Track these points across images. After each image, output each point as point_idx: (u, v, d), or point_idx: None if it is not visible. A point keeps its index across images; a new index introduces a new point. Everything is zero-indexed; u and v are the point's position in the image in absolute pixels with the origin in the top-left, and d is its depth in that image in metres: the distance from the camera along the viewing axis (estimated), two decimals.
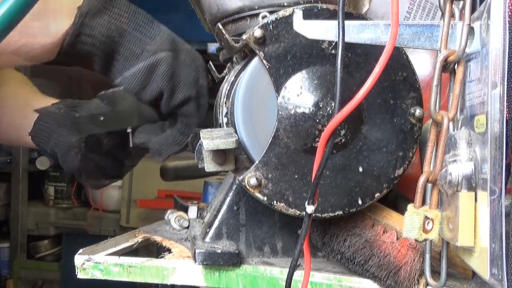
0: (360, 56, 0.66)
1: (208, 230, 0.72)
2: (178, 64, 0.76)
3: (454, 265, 0.65)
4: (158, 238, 0.81)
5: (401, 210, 0.62)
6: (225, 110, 0.70)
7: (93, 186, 0.80)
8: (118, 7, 0.73)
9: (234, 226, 0.72)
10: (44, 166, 2.82)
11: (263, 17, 0.69)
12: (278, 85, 0.65)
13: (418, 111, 0.67)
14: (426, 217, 0.53)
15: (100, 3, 0.72)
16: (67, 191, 2.87)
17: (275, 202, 0.65)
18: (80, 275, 0.72)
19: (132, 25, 0.74)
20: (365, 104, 0.66)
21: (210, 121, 0.83)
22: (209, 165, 0.64)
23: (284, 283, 0.60)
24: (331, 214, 0.66)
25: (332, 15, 0.66)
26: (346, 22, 0.57)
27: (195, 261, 0.67)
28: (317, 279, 0.66)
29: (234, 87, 0.69)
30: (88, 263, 0.72)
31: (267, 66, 0.65)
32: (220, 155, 0.64)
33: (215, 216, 0.72)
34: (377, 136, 0.67)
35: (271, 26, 0.65)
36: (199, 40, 2.48)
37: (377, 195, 0.67)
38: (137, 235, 0.86)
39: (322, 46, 0.66)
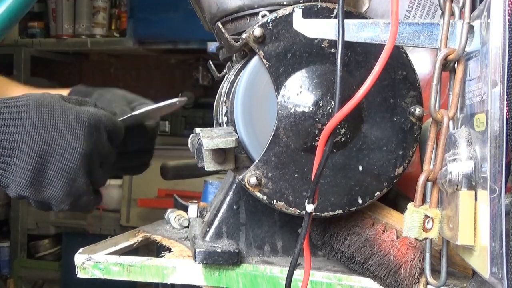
0: (360, 55, 0.66)
1: (208, 229, 0.72)
2: (41, 189, 0.72)
3: (454, 263, 0.65)
4: (158, 237, 0.81)
5: (401, 209, 0.62)
6: (224, 109, 0.70)
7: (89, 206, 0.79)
8: None
9: (234, 225, 0.72)
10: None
11: (263, 16, 0.69)
12: (278, 84, 0.65)
13: (418, 110, 0.67)
14: (426, 216, 0.53)
15: None
16: None
17: (275, 201, 0.65)
18: (80, 274, 0.72)
19: None
20: (365, 103, 0.66)
21: (210, 120, 0.83)
22: (209, 164, 0.64)
23: (284, 282, 0.60)
24: (331, 213, 0.66)
25: (331, 14, 0.66)
26: (345, 20, 0.57)
27: (195, 260, 0.67)
28: (317, 278, 0.66)
29: (234, 86, 0.69)
30: (88, 262, 0.72)
31: (267, 65, 0.65)
32: (220, 154, 0.64)
33: (215, 215, 0.72)
34: (377, 135, 0.67)
35: (270, 25, 0.65)
36: (198, 39, 2.49)
37: (377, 194, 0.67)
38: (137, 234, 0.86)
39: (322, 45, 0.65)
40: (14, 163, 0.70)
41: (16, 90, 1.01)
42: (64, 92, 0.99)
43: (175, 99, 0.82)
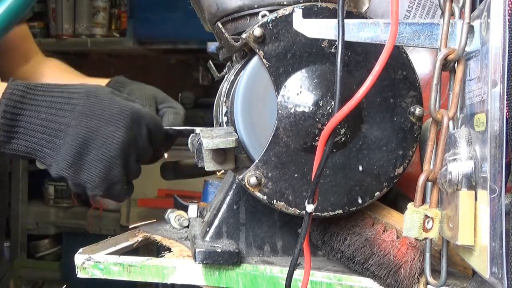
0: (360, 54, 0.66)
1: (208, 229, 0.72)
2: (80, 172, 0.77)
3: (454, 263, 0.65)
4: (158, 237, 0.81)
5: (401, 209, 0.62)
6: (224, 109, 0.70)
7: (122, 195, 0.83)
8: (23, 132, 0.76)
9: (234, 225, 0.72)
10: (44, 166, 2.81)
11: (263, 16, 0.69)
12: (278, 84, 0.65)
13: (418, 110, 0.67)
14: (426, 216, 0.53)
15: (6, 132, 0.75)
16: (67, 190, 2.87)
17: (275, 201, 0.65)
18: (80, 274, 0.72)
19: (39, 144, 0.77)
20: (365, 103, 0.66)
21: (210, 120, 0.83)
22: (209, 164, 0.64)
23: (284, 282, 0.60)
24: (331, 213, 0.66)
25: (331, 14, 0.66)
26: (346, 20, 0.57)
27: (195, 260, 0.67)
28: (317, 278, 0.66)
29: (234, 86, 0.69)
30: (88, 262, 0.72)
31: (267, 65, 0.65)
32: (220, 154, 0.64)
33: (215, 215, 0.72)
34: (377, 134, 0.67)
35: (270, 25, 0.65)
36: (198, 39, 2.49)
37: (377, 194, 0.67)
38: (137, 234, 0.86)
39: (322, 45, 0.65)
40: (59, 144, 0.76)
41: (67, 76, 1.15)
42: (104, 82, 1.09)
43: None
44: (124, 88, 1.05)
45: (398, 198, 0.78)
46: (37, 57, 1.24)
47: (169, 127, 0.88)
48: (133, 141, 0.78)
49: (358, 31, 0.58)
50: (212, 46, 1.80)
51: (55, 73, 1.21)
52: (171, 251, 0.75)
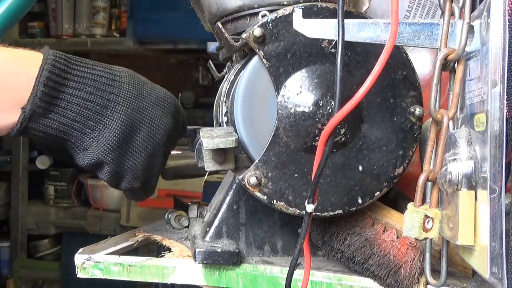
0: (360, 54, 0.66)
1: (208, 229, 0.72)
2: (124, 157, 0.69)
3: (454, 263, 0.65)
4: (158, 237, 0.81)
5: (401, 209, 0.62)
6: (224, 109, 0.70)
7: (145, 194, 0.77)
8: (63, 106, 0.66)
9: (234, 225, 0.72)
10: (44, 165, 2.82)
11: (263, 16, 0.69)
12: (277, 84, 0.65)
13: (418, 110, 0.67)
14: (426, 216, 0.53)
15: (45, 103, 0.65)
16: (67, 190, 2.87)
17: (275, 201, 0.65)
18: (80, 274, 0.72)
19: (80, 122, 0.67)
20: (365, 103, 0.66)
21: (210, 120, 0.83)
22: (209, 164, 0.64)
23: (284, 282, 0.60)
24: (331, 213, 0.66)
25: (331, 14, 0.66)
26: (345, 20, 0.57)
27: (195, 260, 0.67)
28: (317, 278, 0.66)
29: (234, 86, 0.69)
30: (88, 262, 0.72)
31: (267, 65, 0.65)
32: (220, 154, 0.64)
33: (215, 215, 0.72)
34: (377, 134, 0.67)
35: (270, 25, 0.65)
36: (198, 39, 2.49)
37: (377, 194, 0.67)
38: (137, 234, 0.86)
39: (322, 45, 0.65)
40: (104, 122, 0.67)
41: None
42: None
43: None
44: None
45: (398, 198, 0.78)
46: None
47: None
48: (175, 130, 0.73)
49: (358, 31, 0.58)
50: (212, 46, 1.80)
51: None
52: (171, 251, 0.75)
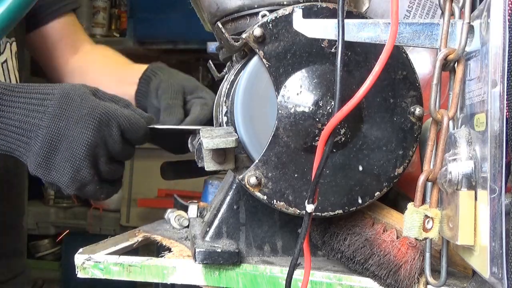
0: (360, 54, 0.66)
1: (208, 229, 0.72)
2: (50, 172, 0.80)
3: (454, 263, 0.65)
4: (158, 237, 0.81)
5: (401, 209, 0.62)
6: (224, 109, 0.70)
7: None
8: (1, 128, 0.79)
9: (234, 225, 0.72)
10: None
11: (263, 16, 0.69)
12: (277, 84, 0.65)
13: (418, 110, 0.67)
14: (426, 216, 0.53)
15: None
16: None
17: (275, 201, 0.65)
18: (80, 274, 0.72)
19: (15, 143, 0.80)
20: (365, 103, 0.66)
21: (210, 120, 0.83)
22: (209, 164, 0.64)
23: (284, 282, 0.60)
24: (331, 213, 0.66)
25: (331, 14, 0.66)
26: (346, 20, 0.57)
27: (195, 260, 0.67)
28: (317, 278, 0.66)
29: (234, 86, 0.69)
30: (88, 262, 0.72)
31: (267, 65, 0.65)
32: (220, 154, 0.64)
33: (215, 215, 0.72)
34: (377, 134, 0.67)
35: (270, 25, 0.65)
36: (198, 39, 2.49)
37: (377, 194, 0.67)
38: (137, 234, 0.86)
39: (322, 45, 0.65)
40: (31, 144, 0.78)
41: (112, 65, 1.26)
42: (143, 68, 1.16)
43: (200, 127, 0.83)
44: (155, 77, 1.09)
45: (398, 198, 0.78)
46: (85, 46, 1.29)
47: (153, 126, 0.86)
48: (102, 142, 0.78)
49: (358, 31, 0.58)
50: (212, 46, 1.80)
51: (101, 62, 1.27)
52: (171, 251, 0.75)
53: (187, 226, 0.85)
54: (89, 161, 0.78)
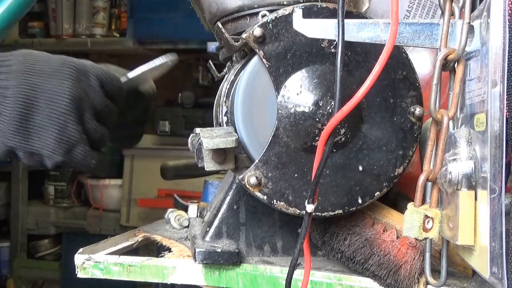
0: (360, 54, 0.66)
1: (208, 229, 0.72)
2: (30, 137, 0.68)
3: (454, 263, 0.65)
4: (158, 237, 0.81)
5: (401, 209, 0.62)
6: (224, 109, 0.70)
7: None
8: None
9: (234, 225, 0.72)
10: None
11: (263, 16, 0.69)
12: (277, 84, 0.65)
13: (418, 110, 0.67)
14: (426, 216, 0.53)
15: None
16: (67, 190, 2.87)
17: (275, 201, 0.65)
18: (80, 274, 0.72)
19: None
20: (365, 103, 0.66)
21: (210, 120, 0.83)
22: (209, 164, 0.64)
23: (284, 282, 0.60)
24: (331, 213, 0.66)
25: (331, 14, 0.66)
26: (345, 20, 0.57)
27: (195, 260, 0.67)
28: (317, 278, 0.66)
29: (234, 86, 0.69)
30: (88, 262, 0.72)
31: (267, 65, 0.65)
32: (220, 154, 0.64)
33: (215, 215, 0.72)
34: (377, 134, 0.67)
35: (270, 25, 0.65)
36: (198, 39, 2.49)
37: (377, 193, 0.67)
38: (137, 234, 0.86)
39: (322, 45, 0.65)
40: (0, 111, 0.66)
41: None
42: None
43: (166, 59, 0.81)
44: None
45: (398, 198, 0.78)
46: None
47: (128, 77, 0.80)
48: (84, 93, 0.69)
49: (358, 31, 0.58)
50: (212, 46, 1.80)
51: None
52: (171, 251, 0.75)
53: (187, 226, 0.85)
54: (75, 115, 0.68)
